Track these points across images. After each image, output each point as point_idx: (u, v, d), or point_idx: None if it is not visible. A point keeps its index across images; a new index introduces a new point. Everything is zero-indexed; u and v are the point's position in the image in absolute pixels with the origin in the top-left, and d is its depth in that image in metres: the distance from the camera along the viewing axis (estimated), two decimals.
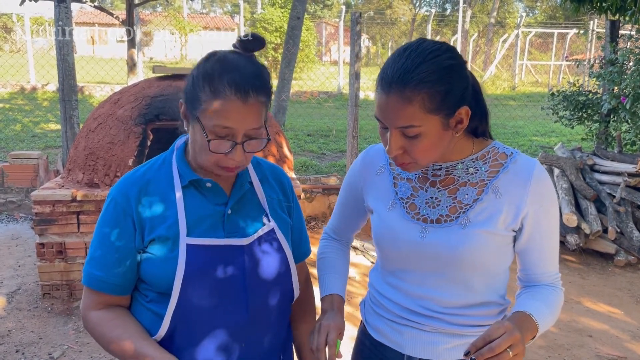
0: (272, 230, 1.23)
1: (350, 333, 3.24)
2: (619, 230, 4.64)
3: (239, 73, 1.07)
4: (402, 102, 1.05)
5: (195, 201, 1.17)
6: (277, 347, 1.27)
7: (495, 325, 1.01)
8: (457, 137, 1.16)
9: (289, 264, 1.25)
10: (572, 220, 4.60)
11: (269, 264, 1.21)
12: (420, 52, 1.07)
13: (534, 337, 1.11)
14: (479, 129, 1.24)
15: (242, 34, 1.19)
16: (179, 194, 1.16)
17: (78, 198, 3.50)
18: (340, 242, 1.50)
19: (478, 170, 1.20)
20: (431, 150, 1.11)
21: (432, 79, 1.05)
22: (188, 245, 1.12)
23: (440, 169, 1.22)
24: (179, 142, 1.24)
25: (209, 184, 1.18)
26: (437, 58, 1.06)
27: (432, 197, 1.22)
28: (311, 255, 1.41)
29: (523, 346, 1.01)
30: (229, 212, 1.19)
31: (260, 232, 1.21)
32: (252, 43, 1.13)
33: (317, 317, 1.30)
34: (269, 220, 1.24)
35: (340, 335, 1.21)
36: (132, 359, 1.10)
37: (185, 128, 1.17)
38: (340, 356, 1.19)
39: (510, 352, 0.97)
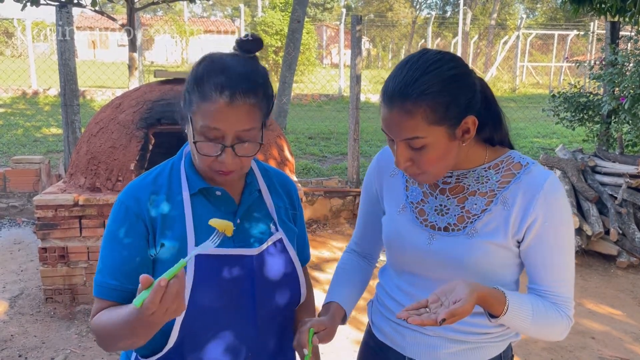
0: (280, 239, 1.23)
1: (354, 336, 3.25)
2: (620, 231, 4.63)
3: (225, 75, 1.06)
4: (405, 115, 1.05)
5: (204, 210, 1.16)
6: (282, 349, 1.28)
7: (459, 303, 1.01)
8: (467, 146, 1.15)
9: (296, 272, 1.24)
10: (573, 222, 4.59)
11: (277, 273, 1.21)
12: (422, 63, 1.06)
13: (496, 316, 1.08)
14: (495, 137, 1.22)
15: (243, 34, 1.18)
16: (187, 203, 1.15)
17: (80, 202, 3.51)
18: (360, 256, 1.47)
19: (489, 179, 1.18)
20: (439, 161, 1.11)
21: (433, 91, 1.04)
22: (196, 255, 1.11)
23: (451, 177, 1.21)
24: (187, 148, 1.22)
25: (218, 192, 1.17)
26: (438, 69, 1.06)
27: (441, 205, 1.21)
28: (313, 259, 1.41)
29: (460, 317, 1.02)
30: (238, 221, 1.18)
31: (270, 242, 1.20)
32: (249, 43, 1.13)
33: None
34: (277, 229, 1.24)
35: (318, 327, 1.17)
36: (126, 335, 1.02)
37: (185, 130, 1.17)
38: (315, 342, 1.16)
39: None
